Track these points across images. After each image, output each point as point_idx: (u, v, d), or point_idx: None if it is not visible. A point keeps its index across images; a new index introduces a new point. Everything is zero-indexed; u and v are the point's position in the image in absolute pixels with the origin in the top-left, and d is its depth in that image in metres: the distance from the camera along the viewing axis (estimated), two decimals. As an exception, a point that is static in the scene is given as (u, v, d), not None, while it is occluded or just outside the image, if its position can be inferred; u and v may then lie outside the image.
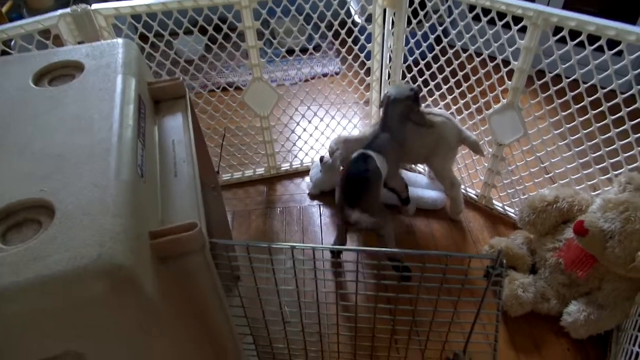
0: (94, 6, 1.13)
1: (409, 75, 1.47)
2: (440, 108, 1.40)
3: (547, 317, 1.15)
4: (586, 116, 1.12)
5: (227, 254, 0.71)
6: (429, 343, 0.85)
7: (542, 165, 1.33)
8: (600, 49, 1.00)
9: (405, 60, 1.46)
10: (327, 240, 1.40)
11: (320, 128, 1.61)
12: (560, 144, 1.22)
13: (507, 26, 1.14)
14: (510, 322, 1.15)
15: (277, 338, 0.92)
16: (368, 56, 1.50)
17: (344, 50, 1.45)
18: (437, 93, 1.45)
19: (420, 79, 1.43)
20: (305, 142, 1.63)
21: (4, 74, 0.67)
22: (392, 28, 1.41)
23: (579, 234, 1.01)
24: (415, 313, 0.79)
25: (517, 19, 1.11)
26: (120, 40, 0.73)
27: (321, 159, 1.49)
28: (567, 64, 1.09)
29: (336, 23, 1.37)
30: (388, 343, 0.94)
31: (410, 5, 1.33)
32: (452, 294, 0.99)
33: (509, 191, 1.42)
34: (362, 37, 1.45)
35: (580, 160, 1.20)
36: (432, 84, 1.43)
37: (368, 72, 1.54)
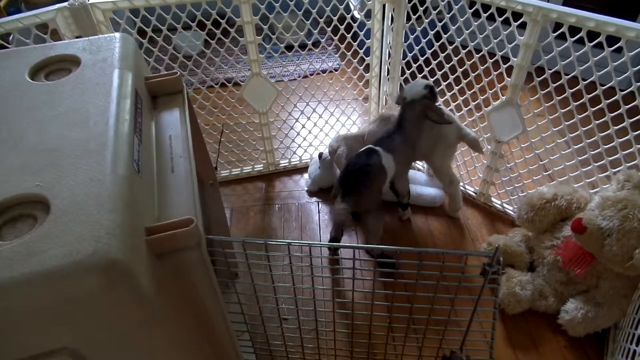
0: (92, 0, 1.13)
1: (408, 72, 1.46)
2: (439, 105, 1.39)
3: (544, 314, 1.15)
4: (585, 113, 1.11)
5: (224, 250, 0.71)
6: (425, 340, 0.85)
7: (540, 163, 1.33)
8: (599, 46, 1.00)
9: (405, 56, 1.46)
10: (326, 237, 1.40)
11: (319, 125, 1.60)
12: (559, 141, 1.22)
13: (506, 22, 1.13)
14: (507, 319, 1.16)
15: (274, 335, 0.92)
16: (367, 52, 1.49)
17: (343, 46, 1.44)
18: (437, 89, 1.44)
19: (419, 76, 1.43)
20: (304, 139, 1.63)
21: (0, 68, 0.66)
22: (391, 24, 1.41)
23: (577, 231, 1.01)
24: (412, 310, 0.79)
25: (516, 15, 1.11)
26: (117, 35, 0.73)
27: (320, 155, 1.49)
28: (567, 61, 1.09)
29: (335, 19, 1.36)
30: (385, 340, 0.94)
31: (409, 1, 1.33)
32: (449, 291, 0.99)
33: (507, 188, 1.42)
34: (361, 33, 1.45)
35: (579, 158, 1.20)
36: (431, 80, 1.42)
37: (367, 68, 1.53)
